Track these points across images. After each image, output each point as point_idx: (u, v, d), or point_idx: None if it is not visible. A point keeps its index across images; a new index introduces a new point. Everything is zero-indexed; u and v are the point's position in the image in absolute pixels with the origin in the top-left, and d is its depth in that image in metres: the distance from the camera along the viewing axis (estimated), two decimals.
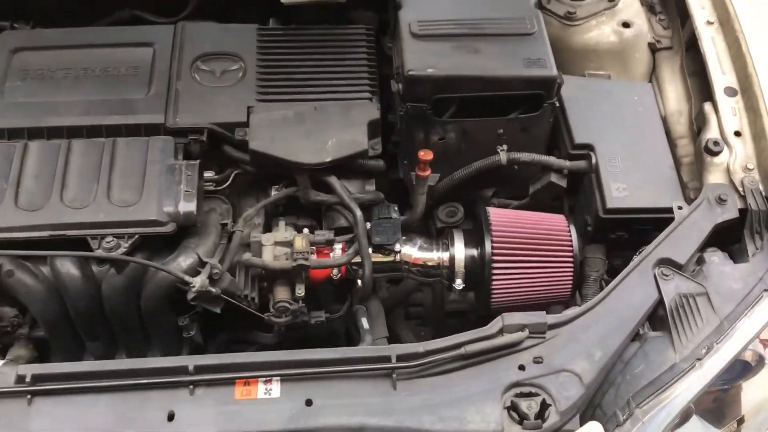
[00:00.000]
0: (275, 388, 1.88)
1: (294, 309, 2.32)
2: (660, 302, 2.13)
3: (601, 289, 2.50)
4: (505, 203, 2.72)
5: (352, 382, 1.90)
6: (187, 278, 2.17)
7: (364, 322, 2.41)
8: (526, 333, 2.00)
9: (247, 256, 2.31)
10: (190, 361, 1.88)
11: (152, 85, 2.40)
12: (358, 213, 2.34)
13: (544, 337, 2.02)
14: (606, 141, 2.52)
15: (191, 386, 1.85)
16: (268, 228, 2.49)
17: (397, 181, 2.69)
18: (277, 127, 2.37)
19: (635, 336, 2.09)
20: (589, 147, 2.52)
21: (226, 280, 2.24)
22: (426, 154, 2.36)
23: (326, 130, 2.37)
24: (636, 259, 2.21)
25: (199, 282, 2.16)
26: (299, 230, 2.47)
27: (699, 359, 2.02)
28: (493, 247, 2.35)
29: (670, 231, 2.25)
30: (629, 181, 2.44)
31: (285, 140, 2.34)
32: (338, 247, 2.41)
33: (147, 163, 2.23)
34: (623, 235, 2.49)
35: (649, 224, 2.43)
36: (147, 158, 2.27)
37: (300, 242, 2.32)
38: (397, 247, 2.39)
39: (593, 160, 2.48)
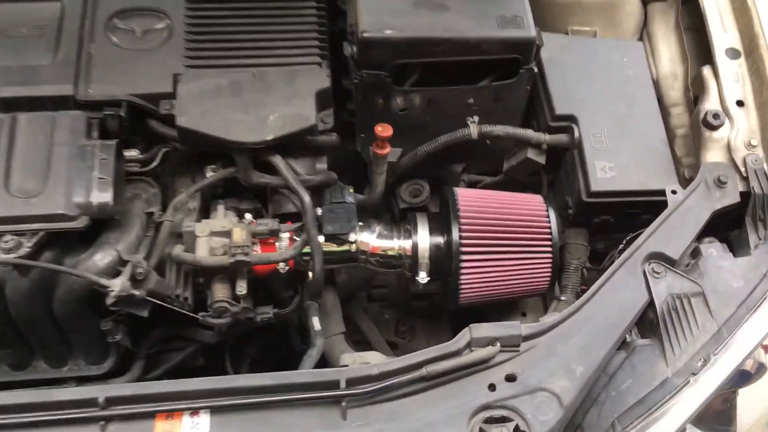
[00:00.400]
0: (204, 420, 1.59)
1: (235, 311, 2.02)
2: (650, 304, 1.87)
3: (582, 278, 2.25)
4: (476, 180, 2.42)
5: (295, 411, 1.62)
6: (104, 281, 1.85)
7: (316, 322, 2.12)
8: (497, 348, 1.73)
9: (177, 250, 1.99)
10: (101, 392, 1.58)
11: (59, 48, 2.05)
12: (306, 199, 2.02)
13: (518, 350, 1.76)
14: (590, 111, 2.21)
15: (102, 422, 1.56)
16: (206, 213, 2.17)
17: (355, 153, 2.36)
18: (210, 99, 2.02)
19: (621, 344, 1.83)
20: (572, 119, 2.21)
21: (152, 281, 1.93)
22: (384, 130, 2.04)
23: (267, 101, 2.03)
24: (623, 254, 1.92)
25: (119, 285, 1.85)
26: (241, 215, 2.15)
27: (694, 374, 1.78)
28: (461, 236, 2.06)
29: (662, 220, 1.97)
30: (616, 159, 2.14)
31: (218, 115, 2.00)
32: (285, 236, 2.09)
33: (53, 145, 1.92)
34: (608, 219, 2.20)
35: (638, 207, 2.16)
36: (53, 138, 1.92)
37: (239, 234, 2.00)
38: (352, 236, 2.09)
39: (576, 134, 2.18)
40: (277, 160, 2.06)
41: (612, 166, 2.12)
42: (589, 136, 2.17)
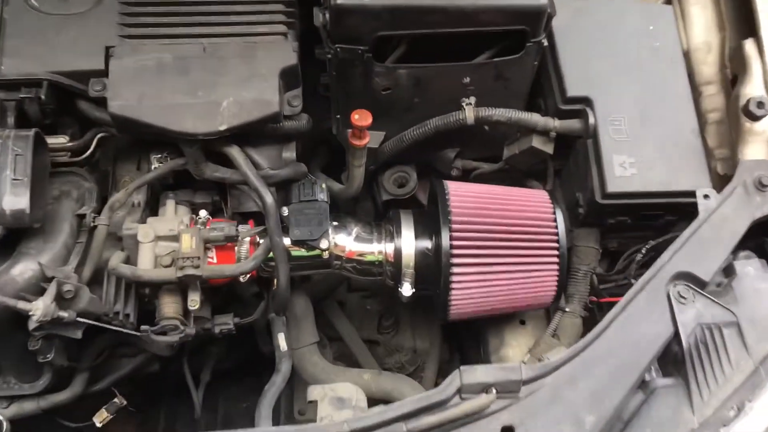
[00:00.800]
0: None
1: (185, 331, 1.72)
2: (675, 336, 1.56)
3: (592, 286, 1.95)
4: (472, 167, 2.08)
5: None
6: (22, 305, 1.54)
7: (281, 340, 1.83)
8: (492, 396, 1.44)
9: (115, 261, 1.68)
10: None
11: None
12: (269, 200, 1.69)
13: (518, 397, 1.46)
14: (609, 93, 1.86)
15: None
16: (155, 206, 1.85)
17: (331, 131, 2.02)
18: (149, 79, 1.67)
19: (639, 384, 1.54)
20: (586, 101, 1.86)
21: (83, 299, 1.63)
22: (362, 118, 1.69)
23: (220, 83, 1.68)
24: (644, 277, 1.61)
25: (41, 308, 1.55)
26: (196, 210, 1.83)
27: (725, 425, 1.49)
28: (452, 242, 1.74)
29: (691, 233, 1.65)
30: (638, 153, 1.80)
31: (160, 99, 1.65)
32: (247, 240, 1.78)
33: None
34: (625, 221, 1.88)
35: (661, 209, 1.83)
36: None
37: (188, 242, 1.69)
38: (324, 242, 1.77)
39: (591, 120, 1.83)
40: (234, 152, 1.72)
41: (632, 162, 1.79)
42: (606, 124, 1.82)
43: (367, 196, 2.18)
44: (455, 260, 1.74)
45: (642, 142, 1.81)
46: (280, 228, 1.72)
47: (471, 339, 2.24)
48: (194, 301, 1.73)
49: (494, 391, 1.44)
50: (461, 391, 1.44)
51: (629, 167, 1.79)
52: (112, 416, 2.10)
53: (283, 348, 1.80)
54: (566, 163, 2.01)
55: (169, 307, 1.73)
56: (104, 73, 1.67)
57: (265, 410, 1.66)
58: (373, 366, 2.25)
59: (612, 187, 1.77)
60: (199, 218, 1.83)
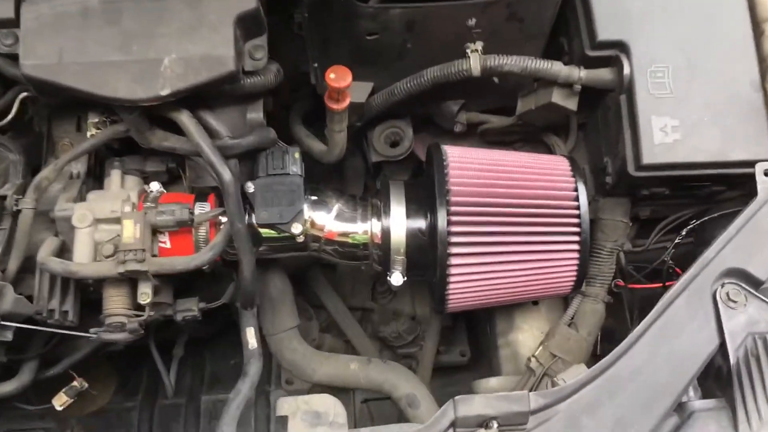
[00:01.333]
0: None
1: (133, 327, 1.46)
2: (721, 347, 1.29)
3: (619, 266, 1.65)
4: (478, 121, 1.74)
5: None
6: None
7: (251, 336, 1.55)
8: (494, 429, 1.18)
9: (43, 253, 1.40)
10: None
11: None
12: (227, 177, 1.38)
13: (525, 428, 1.21)
14: (649, 36, 1.51)
15: None
16: (99, 180, 1.55)
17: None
18: (71, 30, 1.33)
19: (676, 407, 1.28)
20: (621, 46, 1.51)
21: (7, 299, 1.36)
22: (339, 78, 1.36)
23: (160, 34, 1.34)
24: (687, 274, 1.31)
25: None
26: (148, 180, 1.54)
27: None
28: (450, 224, 1.44)
29: (747, 219, 1.34)
30: (684, 113, 1.47)
31: (85, 56, 1.32)
32: (205, 225, 1.49)
33: None
34: (663, 192, 1.56)
35: (708, 181, 1.51)
36: None
37: (130, 231, 1.40)
38: (297, 227, 1.47)
39: (625, 70, 1.48)
40: (184, 119, 1.40)
41: (676, 125, 1.45)
42: (644, 75, 1.48)
43: (356, 153, 1.86)
44: (453, 246, 1.44)
45: (689, 100, 1.47)
46: (242, 209, 1.42)
47: None
48: (145, 294, 1.46)
49: (495, 425, 1.18)
50: (455, 425, 1.19)
51: (671, 132, 1.45)
52: (72, 400, 1.88)
53: (252, 345, 1.53)
54: (593, 116, 1.67)
55: (114, 301, 1.46)
56: (14, 23, 1.33)
57: (228, 427, 1.42)
58: (363, 341, 2.00)
59: (649, 157, 1.44)
60: (151, 192, 1.53)
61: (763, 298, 1.31)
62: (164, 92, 1.32)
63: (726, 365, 1.29)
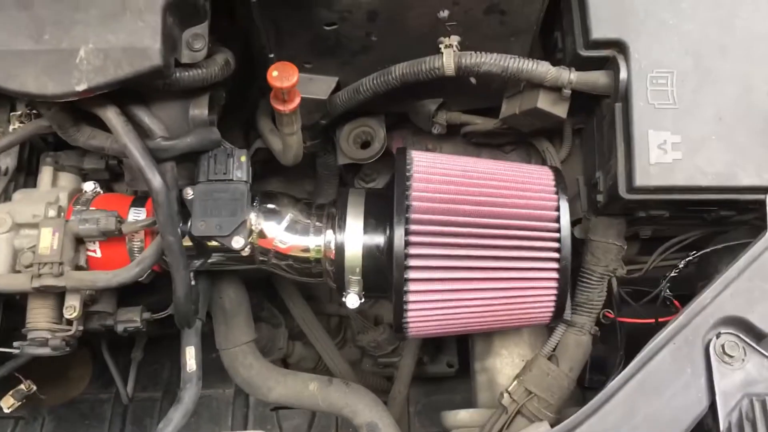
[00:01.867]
0: None
1: (56, 344, 1.32)
2: (711, 411, 1.11)
3: (610, 294, 1.46)
4: (460, 121, 1.54)
5: None
6: None
7: (189, 358, 1.41)
8: None
9: None
10: None
11: None
12: (156, 183, 1.23)
13: None
14: (651, 36, 1.29)
15: None
16: (35, 176, 1.41)
17: None
18: None
19: None
20: (618, 46, 1.29)
21: None
22: (282, 76, 1.17)
23: (77, 21, 1.17)
24: (674, 322, 1.12)
25: None
26: (85, 177, 1.39)
27: None
28: (409, 244, 1.26)
29: (751, 260, 1.14)
30: (688, 127, 1.26)
31: None
32: (140, 233, 1.33)
33: None
34: (662, 214, 1.36)
35: (713, 206, 1.31)
36: None
37: (47, 240, 1.25)
38: (238, 241, 1.30)
39: (622, 74, 1.27)
40: (110, 116, 1.24)
41: (677, 142, 1.24)
42: (643, 80, 1.27)
43: (329, 149, 1.68)
44: (412, 270, 1.26)
45: (695, 112, 1.25)
46: (176, 220, 1.26)
47: None
48: (72, 308, 1.32)
49: None
50: None
51: (671, 150, 1.24)
52: (20, 403, 1.78)
53: (190, 368, 1.39)
54: (590, 121, 1.47)
55: (37, 314, 1.32)
56: None
57: None
58: (333, 354, 1.84)
59: (642, 179, 1.23)
60: (84, 194, 1.38)
61: (765, 353, 1.12)
62: (80, 88, 1.15)
63: (716, 430, 1.11)
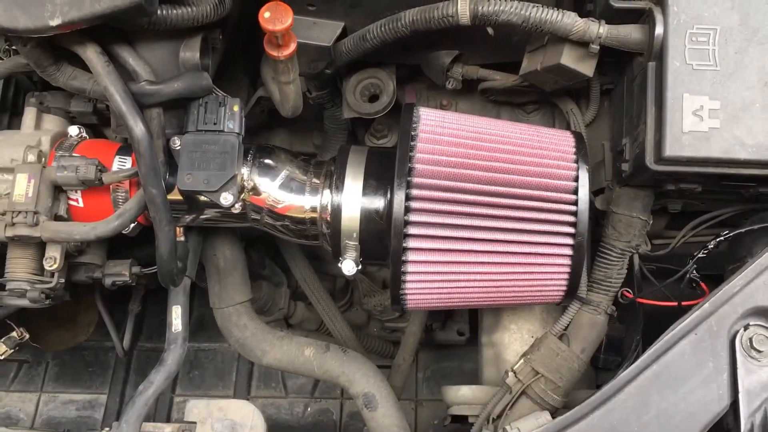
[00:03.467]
0: None
1: (34, 297, 1.25)
2: (732, 410, 1.00)
3: (631, 271, 1.35)
4: (478, 76, 1.41)
5: None
6: None
7: (175, 317, 1.33)
8: None
9: None
10: None
11: None
12: (137, 131, 1.13)
13: None
14: None
15: None
16: (17, 114, 1.33)
17: None
18: None
19: None
20: None
21: None
22: (275, 18, 1.06)
23: None
24: (695, 312, 1.01)
25: None
26: (72, 120, 1.31)
27: None
28: (409, 210, 1.15)
29: None
30: (728, 93, 1.12)
31: None
32: (123, 188, 1.25)
33: None
34: (694, 188, 1.23)
35: (752, 181, 1.17)
36: None
37: (22, 188, 1.17)
38: (227, 198, 1.20)
39: (657, 29, 1.13)
40: (90, 55, 1.14)
41: (716, 108, 1.10)
42: (683, 38, 1.12)
43: (337, 102, 1.57)
44: (412, 239, 1.16)
45: (738, 75, 1.11)
46: (159, 172, 1.17)
47: None
48: (51, 259, 1.25)
49: None
50: None
51: (708, 117, 1.10)
52: (12, 350, 1.74)
53: (175, 328, 1.31)
54: (620, 82, 1.33)
55: (16, 264, 1.25)
56: None
57: (128, 426, 1.20)
58: (335, 315, 1.75)
59: (673, 148, 1.10)
60: (69, 138, 1.29)
61: None
62: (53, 22, 1.05)
63: (736, 431, 1.00)
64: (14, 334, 1.73)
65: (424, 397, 2.17)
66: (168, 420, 2.17)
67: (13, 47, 1.26)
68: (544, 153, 1.19)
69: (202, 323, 2.26)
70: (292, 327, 1.87)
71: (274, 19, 1.06)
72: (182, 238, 1.35)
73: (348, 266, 1.25)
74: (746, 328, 1.01)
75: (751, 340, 1.01)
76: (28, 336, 1.74)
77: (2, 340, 1.74)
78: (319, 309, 1.75)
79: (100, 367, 2.29)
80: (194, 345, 2.26)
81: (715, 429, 1.02)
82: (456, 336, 2.03)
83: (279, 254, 1.80)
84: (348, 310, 1.96)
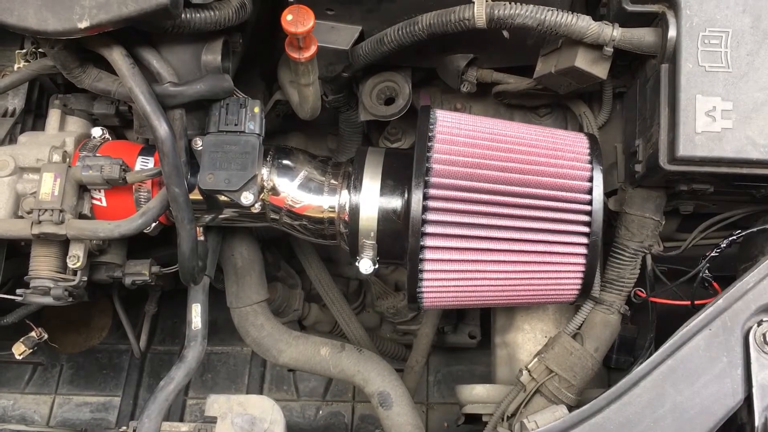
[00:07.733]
0: None
1: (58, 294, 1.27)
2: (746, 404, 1.01)
3: (644, 271, 1.36)
4: (492, 80, 1.44)
5: None
6: None
7: (194, 315, 1.35)
8: None
9: None
10: None
11: None
12: (161, 131, 1.16)
13: None
14: None
15: None
16: (41, 116, 1.36)
17: None
18: None
19: None
20: (668, 1, 1.17)
21: None
22: (297, 20, 1.09)
23: None
24: (709, 308, 1.03)
25: None
26: (95, 122, 1.34)
27: None
28: (426, 210, 1.17)
29: None
30: (741, 94, 1.14)
31: None
32: (145, 187, 1.27)
33: None
34: (706, 189, 1.25)
35: (764, 182, 1.19)
36: None
37: (48, 186, 1.20)
38: (248, 197, 1.23)
39: (670, 32, 1.16)
40: (116, 57, 1.17)
41: (728, 109, 1.13)
42: (695, 40, 1.15)
43: (352, 105, 1.59)
44: (429, 238, 1.18)
45: (750, 77, 1.14)
46: (182, 171, 1.20)
47: None
48: (75, 258, 1.27)
49: None
50: None
51: (721, 118, 1.13)
52: (31, 350, 1.77)
53: (195, 326, 1.33)
54: (633, 84, 1.35)
55: (40, 262, 1.28)
56: None
57: (150, 421, 1.22)
58: (349, 317, 1.77)
59: (686, 148, 1.12)
60: (93, 139, 1.32)
61: None
62: (82, 25, 1.08)
63: (749, 426, 1.01)
64: (33, 334, 1.76)
65: (435, 401, 2.18)
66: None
67: (39, 50, 1.29)
68: (558, 154, 1.22)
69: (214, 326, 2.27)
70: (305, 329, 1.89)
71: (296, 21, 1.09)
72: (202, 238, 1.37)
73: (365, 265, 1.28)
74: (760, 324, 1.03)
75: (764, 335, 1.02)
76: (46, 336, 1.77)
77: (21, 340, 1.77)
78: (333, 310, 1.77)
79: (114, 370, 2.31)
80: (207, 348, 2.28)
81: (729, 424, 1.04)
82: (467, 339, 2.05)
83: (294, 256, 1.82)
84: (360, 313, 1.98)
